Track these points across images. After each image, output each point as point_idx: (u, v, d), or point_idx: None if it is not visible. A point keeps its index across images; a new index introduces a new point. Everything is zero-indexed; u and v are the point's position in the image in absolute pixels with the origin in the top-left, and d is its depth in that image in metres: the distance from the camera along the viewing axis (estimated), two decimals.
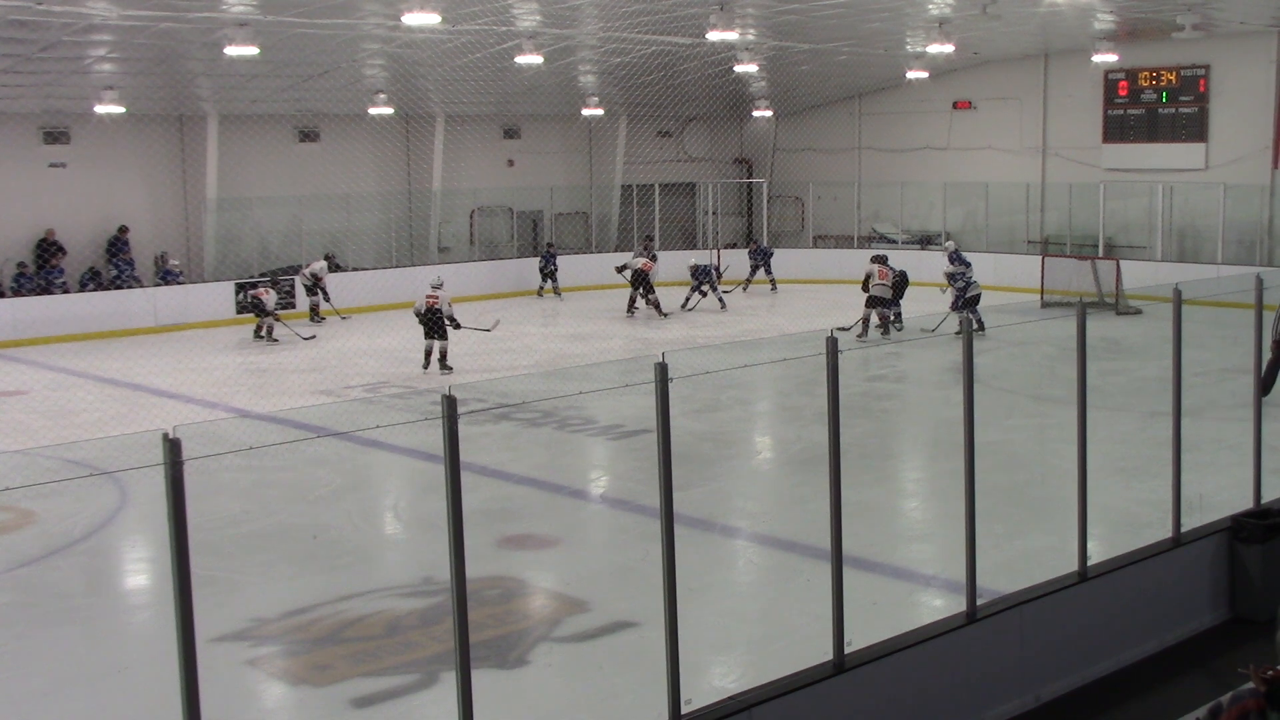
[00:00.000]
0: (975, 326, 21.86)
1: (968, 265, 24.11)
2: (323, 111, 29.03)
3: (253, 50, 20.14)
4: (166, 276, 26.73)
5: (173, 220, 27.87)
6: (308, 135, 29.61)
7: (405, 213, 31.54)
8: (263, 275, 27.57)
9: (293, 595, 10.54)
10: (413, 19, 18.08)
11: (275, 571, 11.30)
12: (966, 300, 22.98)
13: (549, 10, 22.12)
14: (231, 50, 20.13)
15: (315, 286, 27.02)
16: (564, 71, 28.38)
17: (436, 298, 20.54)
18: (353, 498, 13.90)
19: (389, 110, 28.55)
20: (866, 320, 23.32)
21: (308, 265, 27.40)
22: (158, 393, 19.41)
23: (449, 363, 20.65)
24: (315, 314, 26.91)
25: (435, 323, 20.49)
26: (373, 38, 23.18)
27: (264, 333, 24.69)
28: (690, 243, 34.69)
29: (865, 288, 23.34)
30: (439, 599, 10.03)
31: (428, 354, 20.72)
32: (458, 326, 20.49)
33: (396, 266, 30.54)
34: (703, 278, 28.01)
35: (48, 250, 25.73)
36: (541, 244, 32.55)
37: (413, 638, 9.56)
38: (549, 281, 30.83)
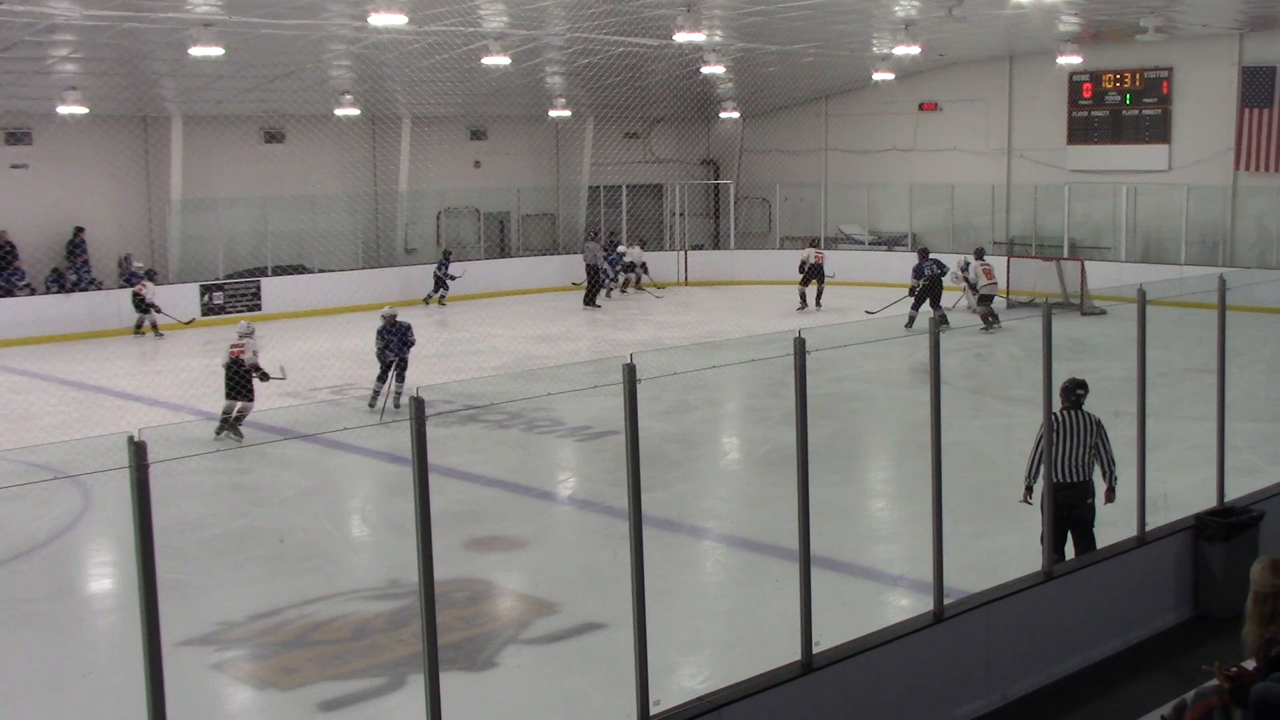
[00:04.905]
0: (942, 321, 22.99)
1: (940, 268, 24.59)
2: (288, 112, 28.91)
3: (218, 51, 20.02)
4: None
5: (136, 222, 27.70)
6: (273, 136, 29.47)
7: (371, 214, 31.43)
8: (149, 271, 26.54)
9: (259, 598, 10.49)
10: (379, 20, 18.01)
11: (241, 575, 11.25)
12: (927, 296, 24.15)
13: (516, 12, 22.08)
14: (196, 51, 19.99)
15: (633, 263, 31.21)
16: (531, 73, 28.34)
17: (242, 347, 16.48)
18: (320, 500, 13.85)
19: (355, 111, 28.44)
20: (986, 317, 24.39)
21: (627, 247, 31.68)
22: (122, 395, 19.27)
23: (242, 429, 16.26)
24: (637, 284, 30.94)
25: (238, 379, 16.29)
26: (339, 38, 23.08)
27: (145, 328, 25.17)
28: (658, 244, 34.70)
29: (974, 288, 24.83)
30: (406, 601, 10.00)
31: (226, 417, 16.21)
32: (265, 378, 16.44)
33: (364, 268, 30.43)
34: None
35: (2, 252, 25.51)
36: (440, 250, 31.21)
37: (380, 640, 9.52)
38: (440, 290, 29.53)
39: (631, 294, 31.27)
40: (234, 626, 9.92)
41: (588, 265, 29.75)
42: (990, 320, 24.23)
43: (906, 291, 24.78)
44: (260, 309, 27.43)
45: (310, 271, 29.43)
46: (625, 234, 33.70)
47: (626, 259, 31.43)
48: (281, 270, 28.98)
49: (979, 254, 25.75)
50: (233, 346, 16.47)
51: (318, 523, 12.97)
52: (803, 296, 28.14)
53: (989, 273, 24.96)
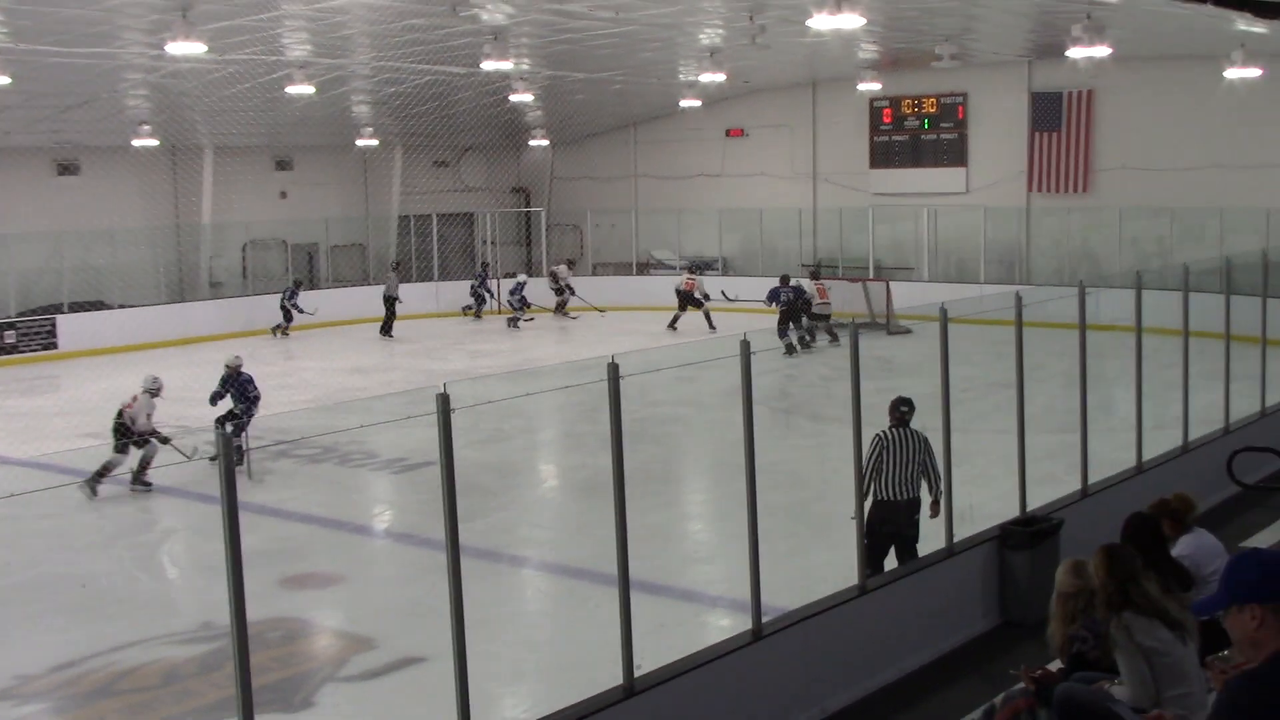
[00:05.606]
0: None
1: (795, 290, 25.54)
2: (83, 143, 27.93)
3: (3, 80, 19.30)
4: None
5: None
6: (67, 168, 28.45)
7: (174, 247, 30.56)
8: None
9: (61, 649, 10.04)
10: (177, 48, 17.52)
11: (41, 625, 10.75)
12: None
13: (320, 40, 21.77)
14: None
15: (563, 286, 31.56)
16: (337, 101, 27.98)
17: (134, 402, 15.19)
18: (124, 543, 13.36)
19: (154, 142, 27.66)
20: (827, 331, 25.32)
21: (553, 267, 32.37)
22: None
23: (147, 478, 15.04)
24: (562, 309, 31.49)
25: (125, 434, 14.89)
26: (135, 67, 22.43)
27: None
28: (470, 273, 34.50)
29: (807, 309, 25.35)
30: (219, 644, 9.69)
31: (103, 472, 14.64)
32: (165, 441, 15.14)
33: (167, 303, 29.55)
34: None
35: None
36: (289, 280, 30.89)
37: (192, 686, 9.21)
38: (287, 320, 29.10)
39: (546, 317, 31.39)
40: (33, 679, 9.48)
41: (385, 296, 29.51)
42: (831, 336, 25.10)
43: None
44: (57, 347, 26.41)
45: (110, 307, 28.43)
46: (436, 263, 33.45)
47: (540, 285, 31.94)
48: (79, 306, 27.89)
49: (814, 274, 26.50)
50: (125, 405, 15.12)
51: (123, 567, 12.50)
52: (674, 322, 28.53)
53: (823, 291, 25.81)
